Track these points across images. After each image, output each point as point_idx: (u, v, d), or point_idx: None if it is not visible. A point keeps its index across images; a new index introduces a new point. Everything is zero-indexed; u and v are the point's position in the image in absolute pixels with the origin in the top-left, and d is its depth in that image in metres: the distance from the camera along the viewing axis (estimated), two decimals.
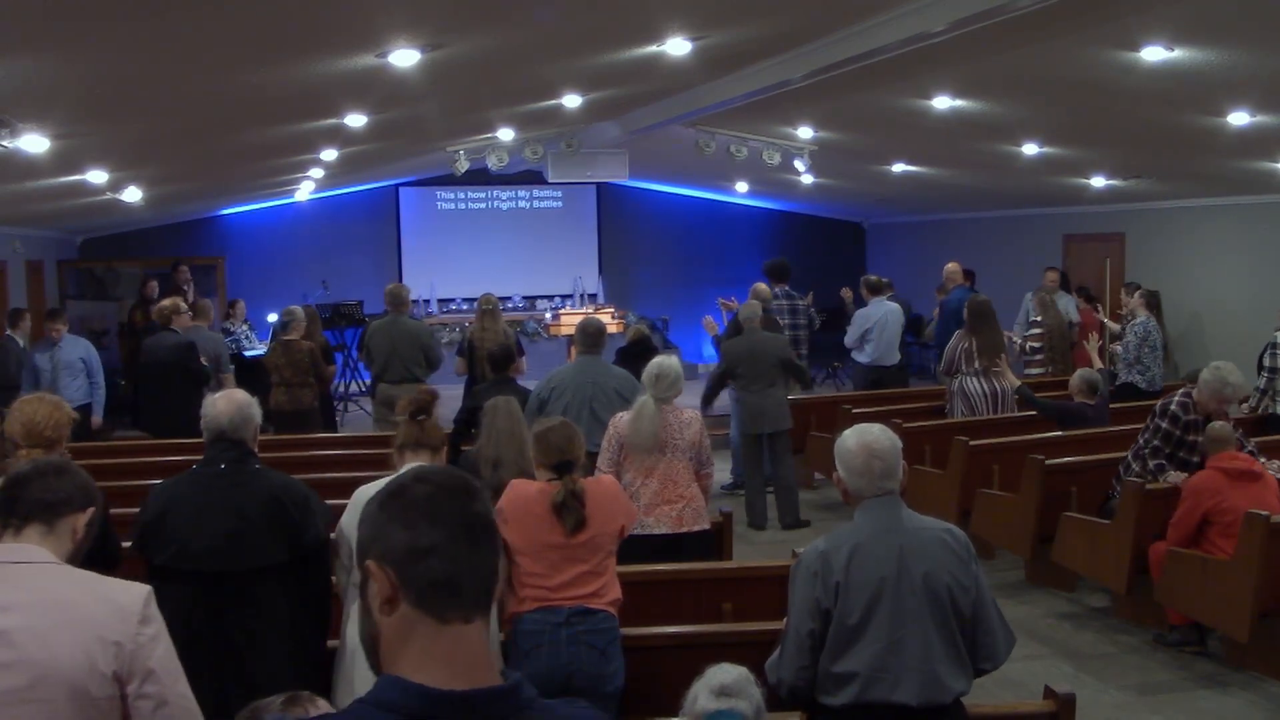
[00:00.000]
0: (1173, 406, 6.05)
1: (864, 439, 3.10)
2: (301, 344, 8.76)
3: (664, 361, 5.37)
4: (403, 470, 3.64)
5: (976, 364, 8.22)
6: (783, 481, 8.30)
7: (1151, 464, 6.07)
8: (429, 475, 1.44)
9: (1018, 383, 8.09)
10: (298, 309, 9.06)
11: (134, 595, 2.21)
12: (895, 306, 10.10)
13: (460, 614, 1.38)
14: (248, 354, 11.80)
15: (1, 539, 2.27)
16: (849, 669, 2.95)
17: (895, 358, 10.19)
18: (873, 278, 10.41)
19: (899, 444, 3.15)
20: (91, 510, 2.40)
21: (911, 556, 2.98)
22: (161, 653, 2.18)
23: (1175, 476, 5.91)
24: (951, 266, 10.44)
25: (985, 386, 8.23)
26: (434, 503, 1.39)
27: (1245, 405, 8.31)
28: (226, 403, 3.59)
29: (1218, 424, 5.80)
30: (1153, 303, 9.49)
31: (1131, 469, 6.19)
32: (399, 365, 8.59)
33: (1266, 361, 8.11)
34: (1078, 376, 7.72)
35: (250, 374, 9.96)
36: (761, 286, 9.31)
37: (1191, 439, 6.01)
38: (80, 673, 2.08)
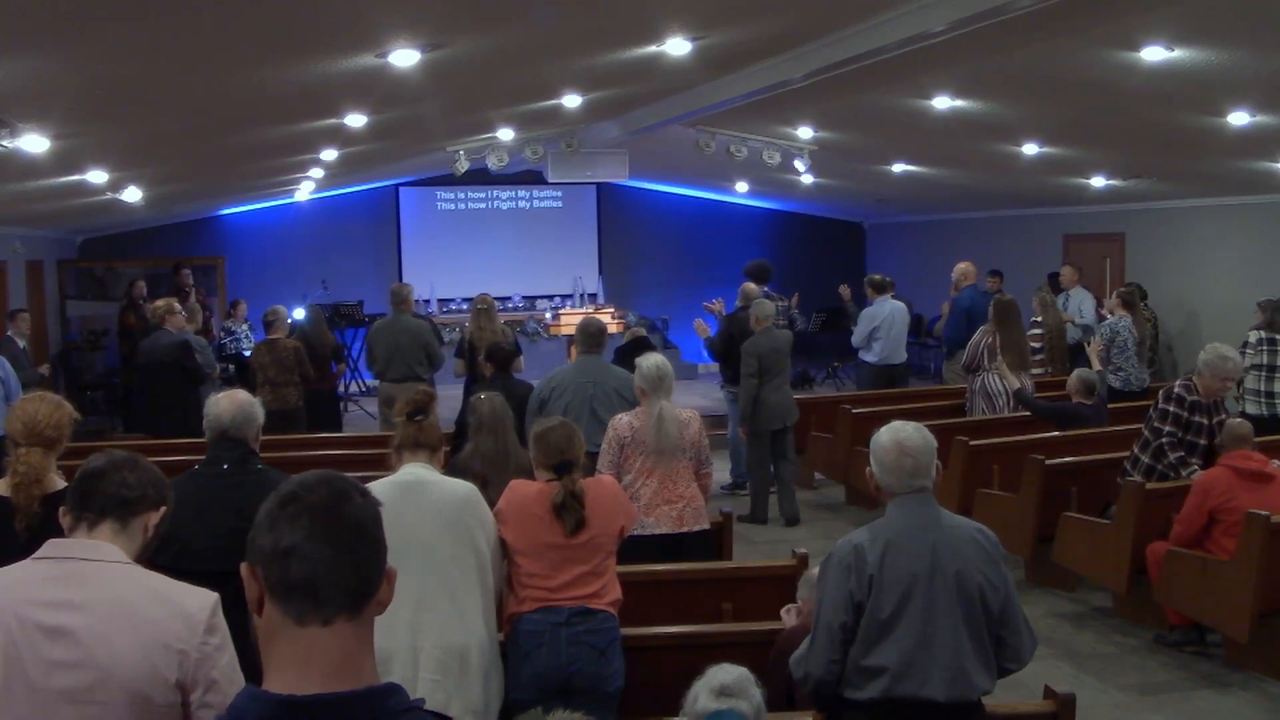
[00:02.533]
0: (1176, 390, 6.04)
1: (897, 436, 3.11)
2: (286, 343, 8.76)
3: (661, 361, 5.34)
4: (400, 471, 3.65)
5: (999, 360, 8.25)
6: (789, 476, 8.36)
7: (1172, 456, 6.01)
8: (308, 479, 1.44)
9: (1018, 384, 8.10)
10: (280, 308, 9.09)
11: (202, 603, 2.18)
12: (900, 305, 10.08)
13: (318, 616, 1.37)
14: (247, 354, 11.80)
15: (74, 533, 2.23)
16: (878, 663, 2.96)
17: (902, 356, 10.16)
18: (876, 276, 10.38)
19: (932, 443, 3.14)
20: (164, 509, 2.37)
21: (944, 554, 2.99)
22: (225, 663, 2.15)
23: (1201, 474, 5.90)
24: (964, 266, 10.40)
25: (1008, 385, 8.25)
26: (300, 505, 1.40)
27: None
28: (229, 402, 3.59)
29: (1236, 420, 5.82)
30: (1129, 301, 9.42)
31: (1141, 463, 6.13)
32: (401, 364, 8.59)
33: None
34: (1074, 377, 7.72)
35: (250, 374, 9.96)
36: (751, 286, 9.30)
37: (1198, 420, 6.02)
38: (142, 678, 2.05)
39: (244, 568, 1.42)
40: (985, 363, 8.36)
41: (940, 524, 3.06)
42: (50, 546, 2.17)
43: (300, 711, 1.33)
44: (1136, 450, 6.24)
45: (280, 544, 1.38)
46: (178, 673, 2.08)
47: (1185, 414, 6.01)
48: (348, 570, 1.39)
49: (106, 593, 2.12)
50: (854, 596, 2.99)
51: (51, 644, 2.04)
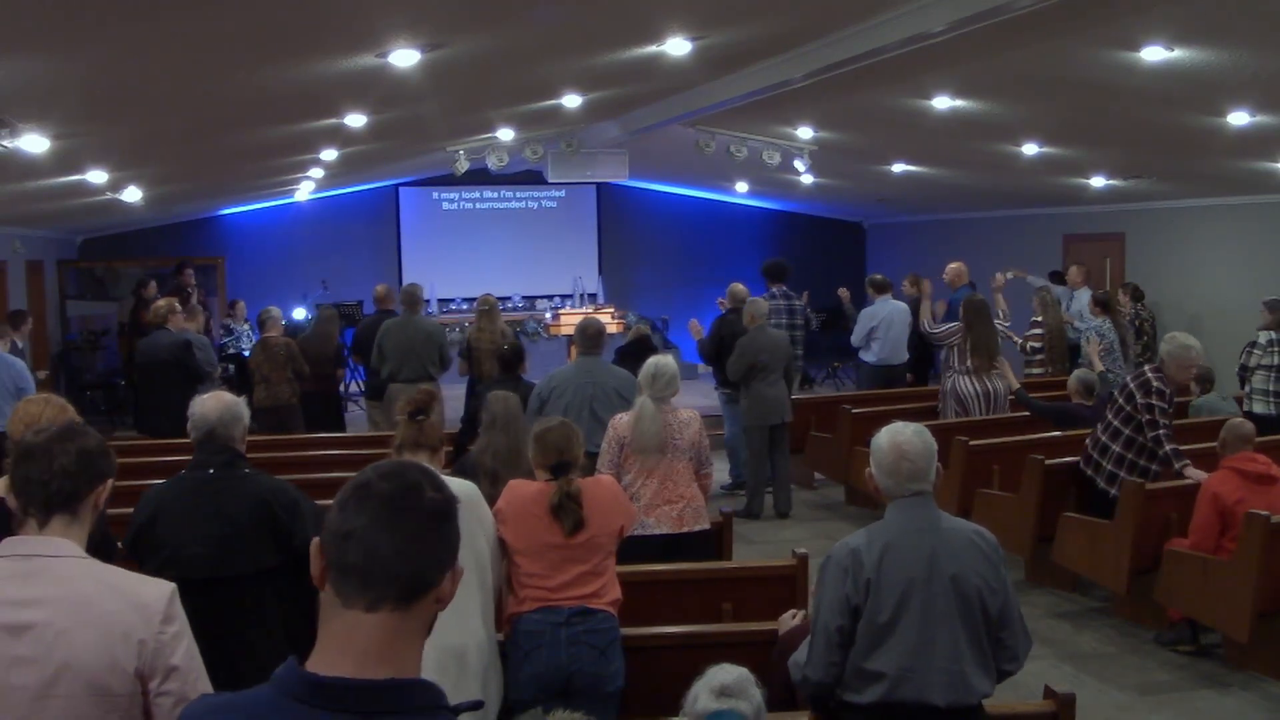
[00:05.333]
0: (1154, 382, 5.98)
1: (896, 439, 3.08)
2: (278, 340, 8.85)
3: (660, 361, 5.36)
4: None
5: (969, 363, 8.21)
6: (783, 471, 8.43)
7: (1169, 448, 5.93)
8: (385, 467, 1.48)
9: (1017, 385, 8.08)
10: (274, 309, 9.17)
11: (158, 593, 2.21)
12: (901, 305, 10.05)
13: (363, 601, 1.40)
14: (247, 354, 11.81)
15: (24, 529, 2.25)
16: (877, 667, 2.95)
17: (903, 356, 10.14)
18: (878, 277, 10.36)
19: (932, 446, 3.10)
20: (109, 480, 2.38)
21: (942, 557, 2.97)
22: (184, 650, 2.19)
23: (1194, 472, 5.89)
24: (956, 266, 10.37)
25: (978, 387, 8.22)
26: (370, 491, 1.43)
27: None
28: (215, 402, 3.57)
29: (1238, 420, 5.80)
30: (1106, 304, 9.48)
31: (1121, 457, 6.10)
32: (415, 364, 8.57)
33: (1243, 359, 8.19)
34: (1074, 378, 7.71)
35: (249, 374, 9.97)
36: (739, 287, 9.27)
37: (1171, 412, 6.04)
38: (102, 670, 2.09)
39: (314, 544, 1.45)
40: (955, 363, 8.32)
41: (938, 527, 3.03)
42: (7, 545, 2.20)
43: (320, 690, 1.36)
44: (1119, 448, 6.10)
45: (344, 526, 1.42)
46: (136, 662, 2.12)
47: (1166, 405, 5.98)
48: (402, 561, 1.41)
49: (65, 588, 2.15)
50: (851, 600, 2.97)
51: (14, 641, 2.07)
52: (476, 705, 1.48)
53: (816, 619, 3.07)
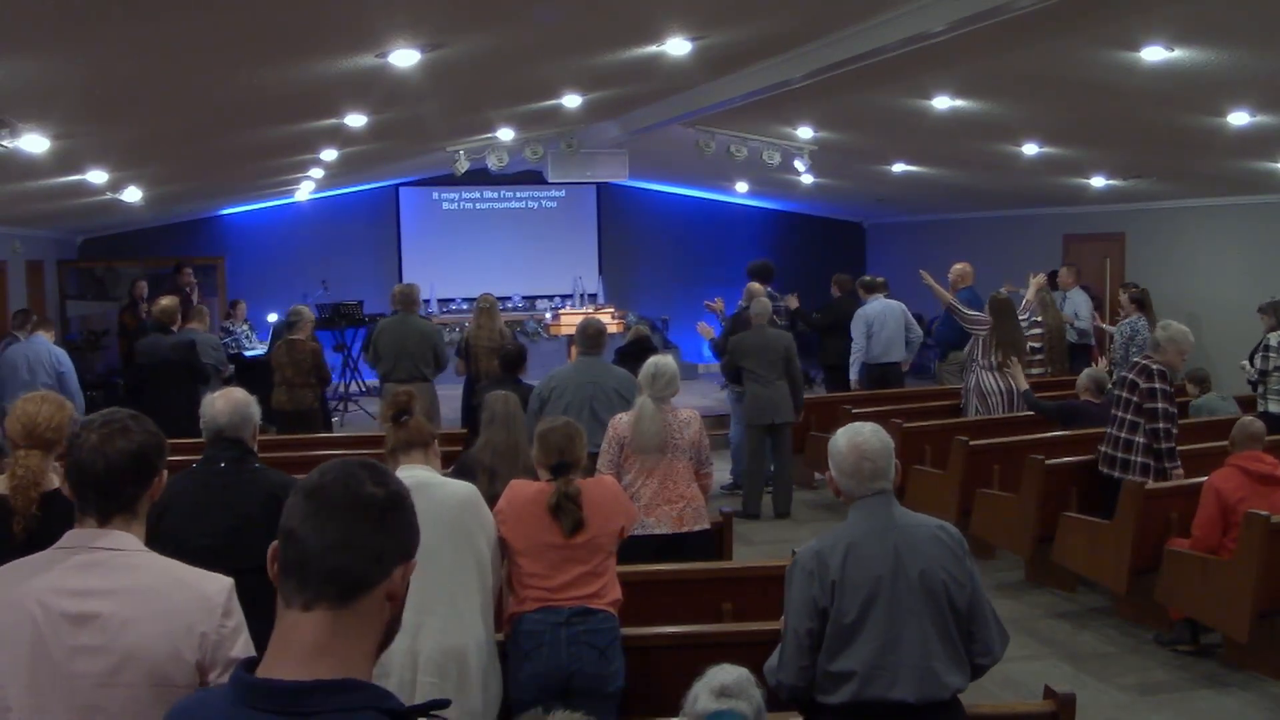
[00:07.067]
0: (1154, 368, 5.96)
1: (854, 440, 3.10)
2: (305, 344, 8.80)
3: (660, 361, 5.37)
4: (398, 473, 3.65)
5: (993, 358, 8.24)
6: (784, 472, 8.39)
7: (1165, 446, 5.90)
8: (331, 463, 1.45)
9: (1026, 385, 8.10)
10: (304, 308, 9.10)
11: (218, 586, 2.25)
12: (893, 304, 10.05)
13: (299, 600, 1.37)
14: (248, 354, 11.81)
15: (83, 524, 2.27)
16: (847, 667, 2.96)
17: (897, 355, 10.10)
18: (867, 278, 10.40)
19: (890, 444, 3.13)
20: (164, 473, 2.40)
21: (907, 554, 2.99)
22: (242, 643, 2.23)
23: (1178, 475, 5.89)
24: (961, 266, 10.36)
25: (1001, 384, 8.24)
26: (310, 488, 1.42)
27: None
28: (225, 402, 3.59)
29: (1249, 419, 5.79)
30: (1143, 301, 9.55)
31: (1151, 447, 6.04)
32: (408, 364, 8.58)
33: (1259, 363, 8.18)
34: (1085, 375, 7.73)
35: (251, 374, 9.98)
36: (756, 286, 9.32)
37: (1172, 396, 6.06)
38: (165, 660, 2.12)
39: (271, 547, 1.44)
40: (980, 359, 8.35)
41: (901, 524, 3.06)
42: (71, 537, 2.22)
43: (246, 691, 1.35)
44: (1142, 438, 6.02)
45: (287, 524, 1.40)
46: (198, 654, 2.15)
47: (1168, 387, 5.95)
48: (335, 557, 1.36)
49: (129, 580, 2.18)
50: (818, 602, 2.99)
51: (77, 630, 2.10)
52: (441, 705, 1.40)
53: (786, 623, 3.08)
